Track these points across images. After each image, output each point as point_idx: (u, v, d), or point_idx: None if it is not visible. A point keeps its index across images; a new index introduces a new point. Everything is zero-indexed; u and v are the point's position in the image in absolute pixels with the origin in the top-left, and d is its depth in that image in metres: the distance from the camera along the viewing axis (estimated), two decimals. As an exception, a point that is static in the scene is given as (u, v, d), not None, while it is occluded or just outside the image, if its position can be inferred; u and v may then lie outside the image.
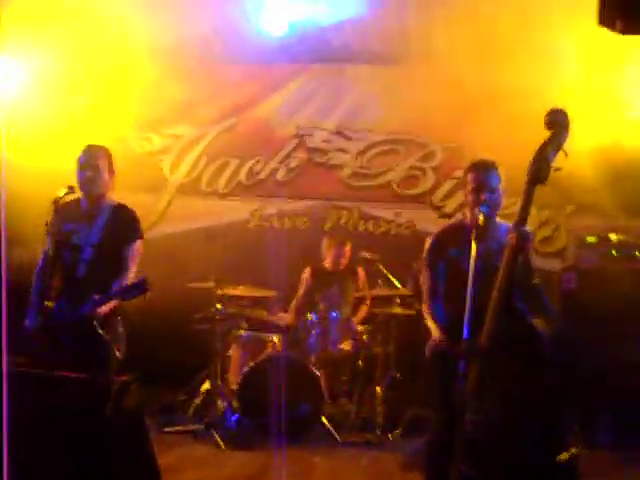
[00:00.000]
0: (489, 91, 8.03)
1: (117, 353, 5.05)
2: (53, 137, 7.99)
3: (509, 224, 4.54)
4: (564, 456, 4.02)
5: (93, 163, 5.16)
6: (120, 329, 5.18)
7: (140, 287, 4.77)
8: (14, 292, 5.02)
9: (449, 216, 8.08)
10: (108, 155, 5.28)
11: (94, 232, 5.09)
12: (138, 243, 5.20)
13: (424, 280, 4.68)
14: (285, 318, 7.83)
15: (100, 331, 4.90)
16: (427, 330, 4.54)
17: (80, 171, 5.19)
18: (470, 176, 4.51)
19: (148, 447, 3.29)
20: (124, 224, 5.12)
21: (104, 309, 4.90)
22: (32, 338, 5.02)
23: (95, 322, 4.91)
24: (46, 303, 4.93)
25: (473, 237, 3.97)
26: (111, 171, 5.26)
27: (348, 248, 7.95)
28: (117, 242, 5.00)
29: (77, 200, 5.17)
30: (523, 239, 3.95)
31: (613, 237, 7.19)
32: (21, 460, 3.13)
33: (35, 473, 3.20)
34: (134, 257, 5.21)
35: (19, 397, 3.27)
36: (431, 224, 8.08)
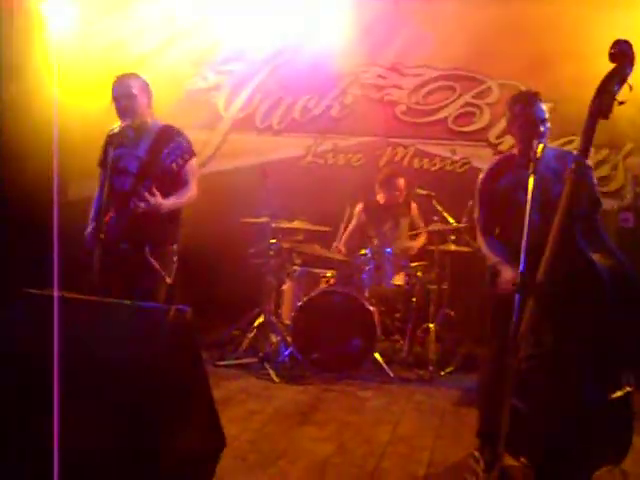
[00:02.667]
0: (548, 28, 7.87)
1: (167, 279, 5.11)
2: (105, 77, 8.02)
3: (558, 149, 4.49)
4: (619, 394, 3.99)
5: (127, 91, 5.16)
6: (174, 258, 5.24)
7: (178, 149, 4.82)
8: (68, 226, 5.10)
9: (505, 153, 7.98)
10: (140, 80, 5.27)
11: (140, 149, 5.12)
12: (193, 160, 5.15)
13: (477, 215, 4.65)
14: (337, 249, 7.83)
15: (150, 258, 4.96)
16: (489, 268, 4.49)
17: (117, 102, 5.20)
18: (518, 109, 4.44)
19: (203, 376, 3.33)
20: (172, 142, 4.97)
21: (156, 201, 4.91)
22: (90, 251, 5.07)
23: (147, 249, 4.98)
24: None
25: (531, 169, 3.90)
26: (147, 94, 5.27)
27: (402, 181, 7.89)
28: (165, 158, 4.88)
29: (123, 129, 5.17)
30: (582, 173, 3.87)
31: (672, 177, 7.08)
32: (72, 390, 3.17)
33: (87, 401, 3.24)
34: (193, 173, 5.21)
35: (73, 322, 3.30)
36: (486, 161, 7.93)
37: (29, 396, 3.22)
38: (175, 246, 5.27)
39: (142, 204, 4.84)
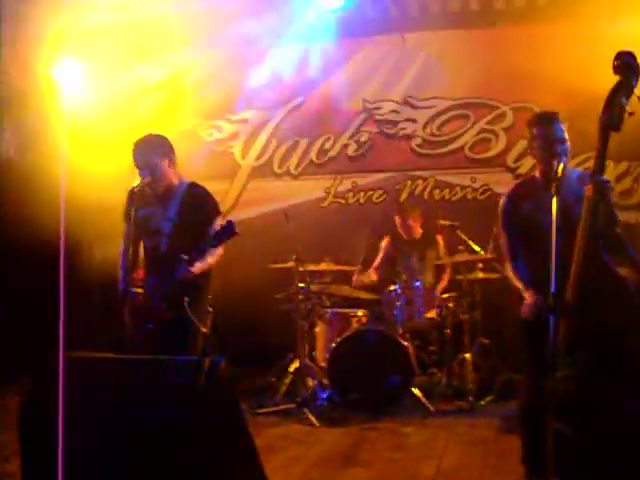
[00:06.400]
0: (558, 46, 7.87)
1: (203, 329, 5.09)
2: (120, 137, 8.06)
3: (581, 171, 4.48)
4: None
5: (147, 161, 5.11)
6: (208, 307, 5.29)
7: (228, 230, 4.80)
8: (101, 286, 5.14)
9: (525, 176, 7.98)
10: (159, 143, 5.22)
11: (171, 211, 5.12)
12: (219, 219, 5.12)
13: (503, 240, 4.64)
14: (370, 275, 7.82)
15: (188, 311, 4.95)
16: (514, 292, 4.48)
17: (139, 170, 5.14)
18: (537, 130, 4.45)
19: (243, 425, 3.31)
20: (200, 203, 5.12)
21: (198, 268, 4.89)
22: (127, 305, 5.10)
23: (185, 304, 4.97)
24: (136, 290, 5.04)
25: (553, 190, 3.88)
26: (169, 155, 5.20)
27: (412, 219, 7.91)
28: (195, 219, 4.96)
29: (146, 188, 5.18)
30: (600, 189, 3.85)
31: (696, 187, 7.02)
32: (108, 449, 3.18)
33: (123, 460, 3.23)
34: None
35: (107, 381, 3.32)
36: (507, 186, 7.92)
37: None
38: (209, 296, 5.31)
39: (187, 275, 4.86)
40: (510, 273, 4.53)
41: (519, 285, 4.41)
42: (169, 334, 4.96)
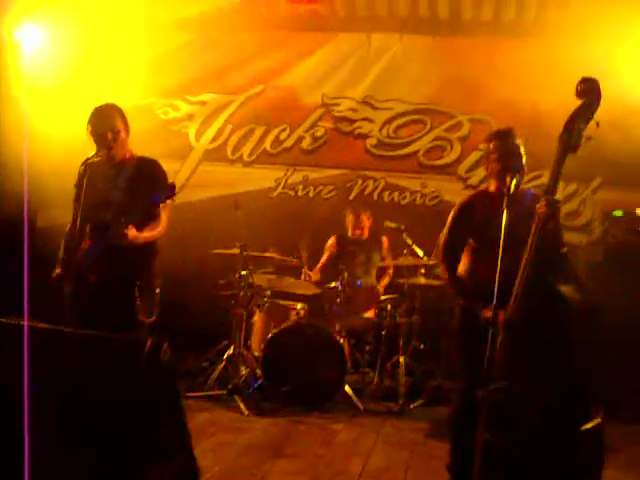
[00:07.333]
0: (518, 64, 7.96)
1: (146, 319, 5.02)
2: (76, 105, 7.94)
3: (533, 191, 4.55)
4: (590, 425, 4.02)
5: (111, 125, 5.08)
6: (157, 290, 5.20)
7: (168, 191, 4.79)
8: (41, 254, 5.07)
9: (474, 187, 8.06)
10: (120, 111, 5.19)
11: (120, 182, 5.04)
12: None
13: (445, 240, 4.65)
14: (310, 274, 7.84)
15: (137, 298, 4.90)
16: (453, 299, 4.55)
17: (97, 134, 5.09)
18: (494, 144, 4.52)
19: (180, 409, 3.32)
20: (150, 172, 5.08)
21: (132, 233, 4.85)
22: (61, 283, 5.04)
23: (137, 287, 4.93)
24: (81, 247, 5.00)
25: (505, 204, 3.94)
26: (127, 126, 5.19)
27: (366, 217, 7.98)
28: (144, 188, 4.87)
29: (103, 162, 5.14)
30: (552, 208, 3.92)
31: (639, 212, 7.14)
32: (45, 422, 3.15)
33: (60, 434, 3.21)
34: (165, 206, 5.11)
35: (45, 355, 3.29)
36: (456, 195, 7.99)
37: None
38: (158, 280, 5.25)
39: (120, 237, 4.81)
40: (445, 275, 4.61)
41: (456, 290, 4.50)
42: (112, 316, 4.85)
